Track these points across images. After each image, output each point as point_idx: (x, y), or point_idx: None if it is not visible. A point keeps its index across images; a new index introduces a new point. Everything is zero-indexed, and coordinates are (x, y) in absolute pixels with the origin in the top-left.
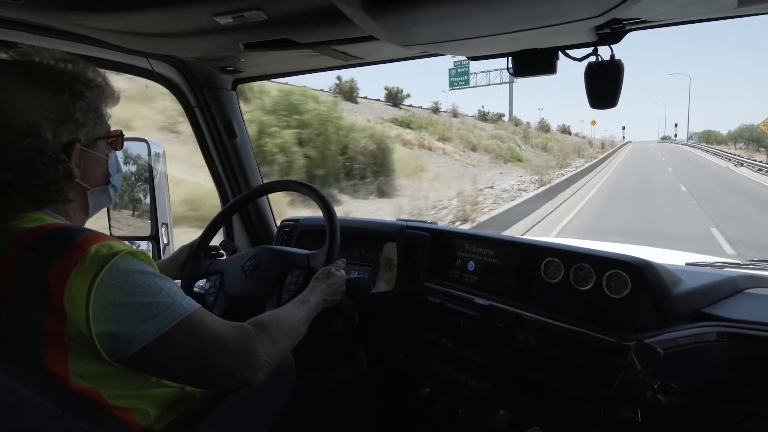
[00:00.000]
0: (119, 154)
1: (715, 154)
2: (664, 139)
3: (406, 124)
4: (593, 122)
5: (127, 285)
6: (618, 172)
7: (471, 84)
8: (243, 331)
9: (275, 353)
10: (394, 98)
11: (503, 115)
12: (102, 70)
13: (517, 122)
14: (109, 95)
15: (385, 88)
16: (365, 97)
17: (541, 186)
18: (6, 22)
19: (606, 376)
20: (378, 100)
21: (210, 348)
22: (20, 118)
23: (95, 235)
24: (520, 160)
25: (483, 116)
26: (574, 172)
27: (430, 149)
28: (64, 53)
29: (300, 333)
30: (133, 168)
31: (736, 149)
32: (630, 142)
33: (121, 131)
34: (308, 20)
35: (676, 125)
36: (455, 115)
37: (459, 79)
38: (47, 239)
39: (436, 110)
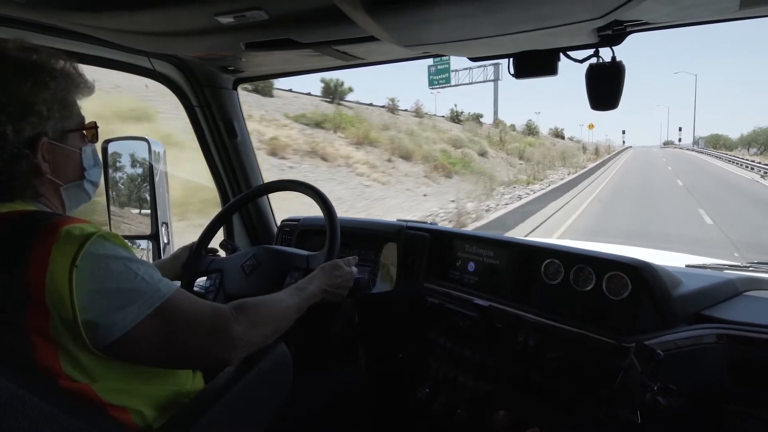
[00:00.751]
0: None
1: (729, 161)
2: (667, 144)
3: (315, 123)
4: (591, 126)
5: (101, 271)
6: (611, 187)
7: (453, 82)
8: (218, 311)
9: (255, 334)
10: (332, 93)
11: (481, 116)
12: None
13: (498, 124)
14: (79, 85)
15: (322, 81)
16: (309, 93)
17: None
18: (7, 21)
19: (605, 377)
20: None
21: (186, 331)
22: None
23: (65, 218)
24: (471, 173)
25: (455, 117)
26: (540, 193)
27: (324, 158)
28: (31, 43)
29: (287, 318)
30: (133, 166)
31: (749, 155)
32: (630, 147)
33: (95, 123)
34: (309, 20)
35: (680, 129)
36: (419, 114)
37: (439, 77)
38: (16, 223)
39: (393, 109)
